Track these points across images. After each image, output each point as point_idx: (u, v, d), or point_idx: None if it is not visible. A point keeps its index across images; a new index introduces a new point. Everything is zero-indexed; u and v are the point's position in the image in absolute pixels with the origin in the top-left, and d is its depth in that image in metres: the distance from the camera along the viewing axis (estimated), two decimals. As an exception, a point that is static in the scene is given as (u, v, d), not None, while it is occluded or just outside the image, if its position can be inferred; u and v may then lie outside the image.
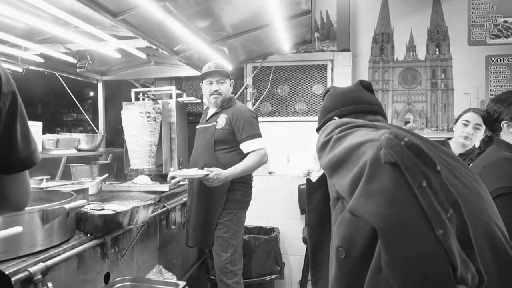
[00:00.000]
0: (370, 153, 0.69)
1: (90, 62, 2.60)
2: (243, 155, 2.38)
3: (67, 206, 1.46)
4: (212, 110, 2.51)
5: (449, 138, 2.51)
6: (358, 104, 1.15)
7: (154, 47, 2.39)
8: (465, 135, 2.34)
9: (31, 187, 0.88)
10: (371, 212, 0.65)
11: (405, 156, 0.63)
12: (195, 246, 2.54)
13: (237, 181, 2.37)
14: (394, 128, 0.78)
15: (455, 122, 2.47)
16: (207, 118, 2.52)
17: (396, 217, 0.62)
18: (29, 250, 1.36)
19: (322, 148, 0.92)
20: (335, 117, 1.16)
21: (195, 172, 2.23)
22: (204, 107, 2.74)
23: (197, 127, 2.61)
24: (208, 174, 2.17)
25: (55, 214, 1.43)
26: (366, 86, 1.21)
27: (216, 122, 2.42)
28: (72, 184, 2.28)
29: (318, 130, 1.24)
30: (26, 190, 0.85)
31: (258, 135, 2.39)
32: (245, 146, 2.37)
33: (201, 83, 2.50)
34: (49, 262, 1.37)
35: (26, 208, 1.44)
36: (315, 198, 1.13)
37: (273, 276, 3.17)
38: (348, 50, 3.72)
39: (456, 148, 2.43)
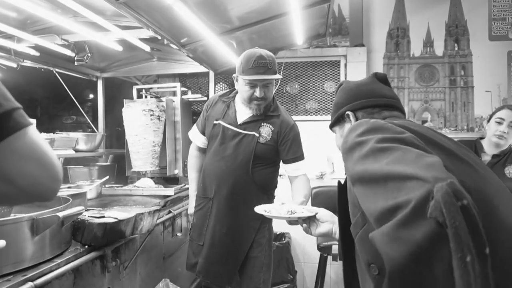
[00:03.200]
0: (416, 196, 0.58)
1: (89, 54, 2.39)
2: (276, 172, 2.06)
3: (61, 214, 1.25)
4: (247, 111, 1.97)
5: (481, 138, 2.31)
6: (372, 97, 1.09)
7: (159, 38, 2.19)
8: (499, 133, 2.15)
9: (50, 159, 0.61)
10: (389, 257, 0.59)
11: (458, 222, 0.52)
12: (211, 282, 2.01)
13: (273, 187, 2.08)
14: (446, 176, 0.61)
15: (488, 121, 2.27)
16: (242, 121, 1.96)
17: (414, 277, 0.58)
18: (15, 266, 1.15)
19: (351, 149, 0.81)
20: (347, 112, 1.11)
21: (302, 214, 1.32)
22: (214, 96, 2.14)
23: (215, 122, 2.01)
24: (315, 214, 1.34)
25: (47, 224, 1.22)
26: (381, 78, 1.14)
27: (259, 133, 1.93)
28: (69, 187, 2.07)
29: (331, 127, 1.22)
30: (38, 161, 0.58)
31: (303, 156, 2.04)
32: (290, 169, 2.01)
33: (235, 75, 1.95)
34: (39, 281, 1.16)
35: (13, 217, 1.24)
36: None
37: (285, 285, 3.04)
38: (363, 45, 3.52)
39: (489, 148, 2.24)
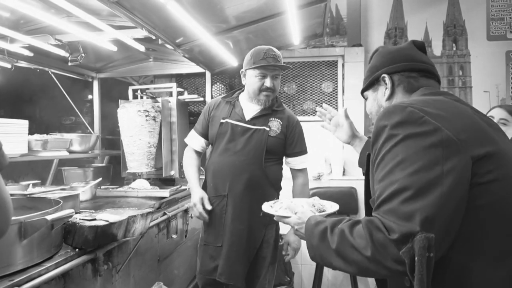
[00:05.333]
0: (401, 232, 0.78)
1: (82, 55, 2.37)
2: (282, 171, 2.10)
3: (50, 217, 1.22)
4: (254, 107, 2.01)
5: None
6: (411, 61, 1.08)
7: (154, 37, 2.16)
8: None
9: (8, 202, 0.62)
10: (359, 245, 0.85)
11: (424, 270, 0.75)
12: (233, 283, 1.95)
13: (280, 187, 2.10)
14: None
15: None
16: (250, 117, 1.99)
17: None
18: (2, 271, 1.12)
19: (382, 137, 0.90)
20: (384, 75, 1.10)
21: (332, 208, 1.32)
22: (216, 99, 2.15)
23: (221, 120, 2.00)
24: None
25: (35, 227, 1.19)
26: (419, 46, 1.13)
27: (269, 127, 1.97)
28: (61, 189, 2.05)
29: (363, 92, 1.22)
30: None
31: (307, 150, 2.11)
32: (296, 162, 2.07)
33: (243, 70, 2.00)
34: (26, 285, 1.13)
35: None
36: None
37: (283, 287, 2.97)
38: (360, 45, 3.50)
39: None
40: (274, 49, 1.93)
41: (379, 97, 1.14)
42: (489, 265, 0.82)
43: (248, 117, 1.99)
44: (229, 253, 1.92)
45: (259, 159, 1.94)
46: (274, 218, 1.34)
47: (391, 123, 0.87)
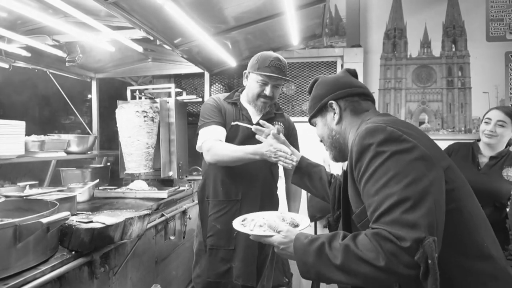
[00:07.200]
0: (411, 238, 0.84)
1: (80, 55, 2.36)
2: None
3: (45, 220, 1.21)
4: (256, 112, 2.02)
5: (479, 140, 2.30)
6: (351, 87, 1.23)
7: (152, 38, 2.15)
8: (487, 133, 2.20)
9: None
10: (371, 257, 0.89)
11: (436, 270, 0.84)
12: (250, 284, 1.93)
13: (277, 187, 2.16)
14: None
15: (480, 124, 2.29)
16: (257, 120, 1.99)
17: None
18: (-3, 275, 1.12)
19: (370, 154, 0.97)
20: (331, 101, 1.22)
21: (307, 224, 1.33)
22: (217, 98, 2.05)
23: (232, 123, 1.97)
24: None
25: (30, 230, 1.18)
26: (352, 73, 1.30)
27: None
28: (59, 191, 2.04)
29: (311, 119, 1.32)
30: None
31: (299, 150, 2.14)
32: None
33: (246, 72, 1.99)
34: (22, 289, 1.13)
35: (-5, 223, 1.20)
36: None
37: None
38: (359, 45, 3.49)
39: (484, 150, 2.23)
40: (281, 58, 1.93)
41: (329, 122, 1.25)
42: (464, 259, 0.94)
43: (254, 120, 2.00)
44: (246, 256, 1.91)
45: (268, 162, 1.86)
46: (251, 237, 1.26)
47: (376, 141, 0.96)
